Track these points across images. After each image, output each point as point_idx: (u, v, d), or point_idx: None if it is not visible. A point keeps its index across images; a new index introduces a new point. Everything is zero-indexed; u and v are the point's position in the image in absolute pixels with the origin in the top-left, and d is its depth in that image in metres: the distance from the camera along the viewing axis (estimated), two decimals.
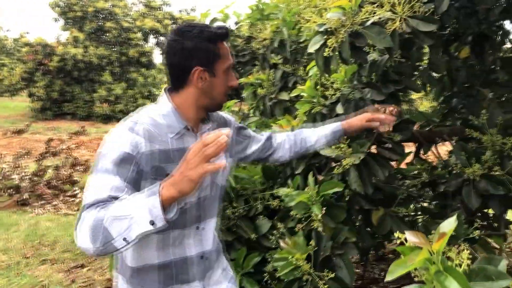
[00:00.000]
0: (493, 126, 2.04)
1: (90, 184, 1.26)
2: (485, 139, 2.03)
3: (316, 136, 1.85)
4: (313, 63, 2.24)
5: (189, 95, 1.45)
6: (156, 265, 1.46)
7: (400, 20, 1.65)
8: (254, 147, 1.77)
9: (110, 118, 17.64)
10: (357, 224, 2.24)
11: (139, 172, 1.32)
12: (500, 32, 2.60)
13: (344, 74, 2.01)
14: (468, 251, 1.08)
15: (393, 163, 2.29)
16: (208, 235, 1.57)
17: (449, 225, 1.07)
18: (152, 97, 18.67)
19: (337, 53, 1.72)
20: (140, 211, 1.12)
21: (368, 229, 2.25)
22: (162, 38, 20.88)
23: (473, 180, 2.01)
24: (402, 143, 2.07)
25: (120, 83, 18.58)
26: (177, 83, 1.46)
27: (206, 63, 1.41)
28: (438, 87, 2.79)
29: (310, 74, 2.24)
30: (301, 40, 2.65)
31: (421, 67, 2.55)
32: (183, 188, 1.13)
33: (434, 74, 2.73)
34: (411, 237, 1.10)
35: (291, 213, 1.90)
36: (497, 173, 1.97)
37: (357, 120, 1.85)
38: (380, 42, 1.65)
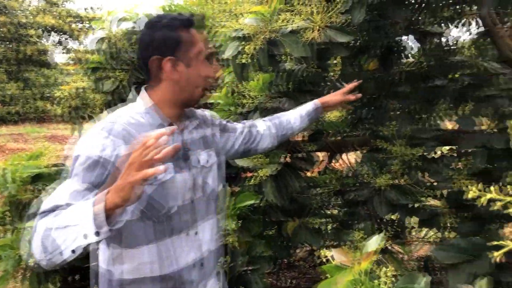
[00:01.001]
0: (401, 137, 2.11)
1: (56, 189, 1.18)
2: (394, 150, 2.09)
3: (295, 115, 1.78)
4: (228, 69, 2.17)
5: (166, 89, 1.35)
6: (149, 277, 1.32)
7: (317, 30, 1.64)
8: (240, 139, 1.65)
9: (3, 120, 16.13)
10: (271, 235, 2.20)
11: (114, 175, 1.18)
12: (403, 47, 2.74)
13: (261, 82, 1.96)
14: (389, 268, 1.06)
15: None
16: (205, 239, 1.43)
17: (374, 243, 1.04)
18: (51, 99, 17.41)
19: (254, 60, 1.66)
20: (86, 221, 1.04)
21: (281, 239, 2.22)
22: (66, 37, 19.65)
23: (383, 190, 2.06)
24: (314, 153, 2.07)
25: (16, 83, 17.12)
26: (152, 78, 1.36)
27: (178, 52, 1.31)
28: None
29: (225, 80, 2.17)
30: (216, 45, 2.57)
31: (332, 77, 2.59)
32: (125, 195, 1.04)
33: (344, 84, 2.79)
34: (337, 255, 1.06)
35: None
36: (404, 182, 2.04)
37: (333, 95, 1.86)
38: (297, 51, 1.62)
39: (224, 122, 1.64)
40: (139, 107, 1.35)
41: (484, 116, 2.13)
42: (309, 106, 1.80)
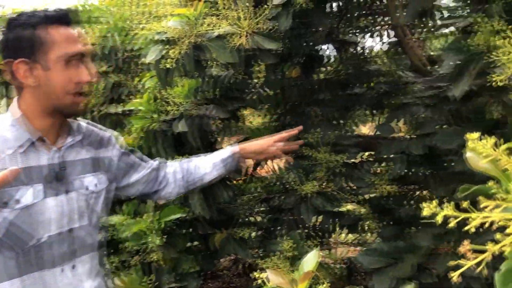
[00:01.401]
0: (325, 144, 2.13)
1: None
2: (319, 156, 2.10)
3: (208, 163, 1.52)
4: (149, 73, 2.05)
5: (29, 97, 1.15)
6: None
7: (245, 36, 1.58)
8: (135, 176, 1.41)
9: None
10: (198, 248, 2.11)
11: None
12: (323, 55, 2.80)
13: (186, 88, 1.87)
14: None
15: None
16: (85, 275, 1.22)
17: (312, 261, 0.99)
18: None
19: (179, 65, 1.57)
20: None
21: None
22: None
23: (309, 197, 2.06)
24: None
25: None
26: (15, 84, 1.16)
27: (34, 53, 1.12)
28: (271, 104, 2.85)
29: (146, 85, 2.04)
30: (135, 48, 2.43)
31: (256, 84, 2.56)
32: None
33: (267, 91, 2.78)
34: (273, 277, 1.00)
35: (127, 244, 1.66)
36: (330, 189, 2.06)
37: (257, 142, 1.59)
38: (225, 57, 1.56)
39: (129, 150, 1.43)
40: (6, 119, 1.16)
41: (401, 122, 2.22)
42: (225, 153, 1.54)
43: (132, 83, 2.47)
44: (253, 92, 2.29)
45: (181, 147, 1.86)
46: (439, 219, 0.54)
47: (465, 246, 0.55)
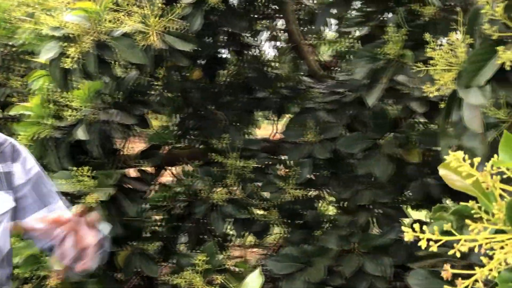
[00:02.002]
0: (234, 150, 2.07)
1: None
2: (229, 163, 2.03)
3: None
4: (36, 73, 1.78)
5: None
6: None
7: (155, 35, 1.46)
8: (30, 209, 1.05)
9: None
10: (102, 269, 1.90)
11: None
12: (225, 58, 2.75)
13: (87, 91, 1.65)
14: None
15: None
16: None
17: (254, 283, 0.92)
18: None
19: (80, 65, 1.38)
20: None
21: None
22: None
23: (219, 205, 1.98)
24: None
25: None
26: None
27: None
28: (171, 107, 2.72)
29: (34, 87, 1.77)
30: (17, 44, 2.12)
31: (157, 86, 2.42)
32: None
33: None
34: None
35: (17, 271, 1.43)
36: (240, 196, 2.01)
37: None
38: (133, 57, 1.42)
39: (40, 173, 1.09)
40: None
41: (305, 127, 2.25)
42: None
43: (16, 83, 2.15)
44: (155, 95, 2.14)
45: (79, 157, 1.65)
46: (423, 244, 0.52)
47: (447, 270, 0.53)
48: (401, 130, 1.98)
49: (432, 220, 0.79)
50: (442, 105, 0.99)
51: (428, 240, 0.60)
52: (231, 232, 2.44)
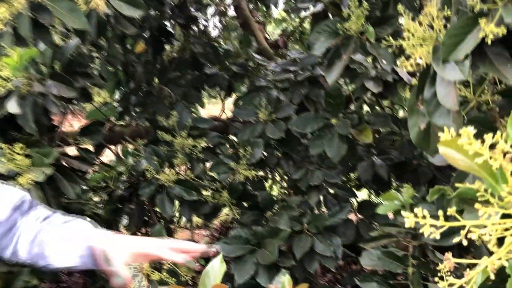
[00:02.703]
0: (183, 128, 1.96)
1: None
2: (176, 141, 1.92)
3: (64, 249, 0.95)
4: None
5: None
6: None
7: None
8: None
9: None
10: None
11: None
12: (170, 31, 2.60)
13: (19, 59, 1.46)
14: None
15: None
16: None
17: (215, 272, 0.84)
18: None
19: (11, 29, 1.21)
20: None
21: None
22: None
23: (166, 187, 1.87)
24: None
25: None
26: None
27: None
28: (112, 81, 2.54)
29: None
30: None
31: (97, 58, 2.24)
32: None
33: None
34: None
35: None
36: (188, 177, 1.91)
37: (143, 247, 0.96)
38: (73, 22, 1.27)
39: None
40: None
41: (257, 106, 2.17)
42: (80, 247, 0.94)
43: None
44: (96, 68, 1.97)
45: (10, 133, 1.47)
46: (425, 230, 0.46)
47: (449, 260, 0.48)
48: (354, 110, 1.96)
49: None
50: (414, 82, 0.95)
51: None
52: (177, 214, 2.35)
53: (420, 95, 0.94)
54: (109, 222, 2.49)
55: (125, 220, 2.63)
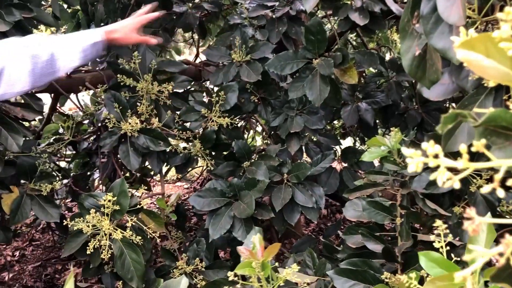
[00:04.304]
0: (147, 71, 1.76)
1: None
2: (139, 86, 1.72)
3: (63, 50, 1.17)
4: None
5: None
6: None
7: None
8: None
9: None
10: None
11: None
12: None
13: None
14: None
15: None
16: None
17: None
18: None
19: None
20: None
21: None
22: None
23: (129, 137, 1.69)
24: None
25: None
26: None
27: None
28: (72, 23, 2.29)
29: None
30: None
31: None
32: None
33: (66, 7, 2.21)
34: None
35: None
36: (156, 126, 1.72)
37: (123, 29, 1.35)
38: None
39: None
40: None
41: (230, 46, 1.96)
42: (87, 39, 1.22)
43: None
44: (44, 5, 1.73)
45: None
46: (440, 175, 0.31)
47: (472, 220, 0.31)
48: (338, 48, 1.77)
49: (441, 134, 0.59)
50: None
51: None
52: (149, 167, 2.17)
53: (415, 10, 0.75)
54: (78, 176, 2.33)
55: (96, 174, 2.47)
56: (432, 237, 0.92)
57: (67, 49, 1.17)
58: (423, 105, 2.09)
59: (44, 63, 1.11)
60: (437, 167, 0.31)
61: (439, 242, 0.85)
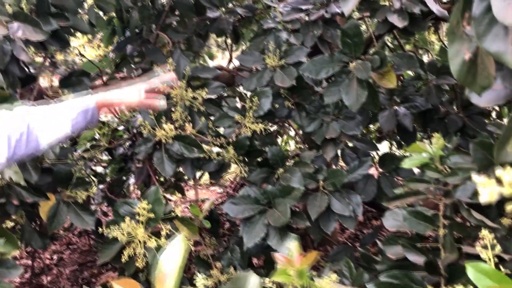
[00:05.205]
0: (181, 78, 1.75)
1: None
2: (173, 93, 1.72)
3: (51, 121, 1.10)
4: None
5: None
6: None
7: None
8: None
9: None
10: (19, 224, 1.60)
11: None
12: None
13: None
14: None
15: None
16: None
17: (177, 252, 0.64)
18: None
19: None
20: None
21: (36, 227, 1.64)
22: None
23: (164, 144, 1.69)
24: None
25: None
26: None
27: None
28: (107, 30, 2.32)
29: None
30: None
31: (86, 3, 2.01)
32: None
33: (102, 14, 2.24)
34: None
35: None
36: (189, 132, 1.71)
37: (119, 95, 1.26)
38: None
39: None
40: None
41: (264, 51, 1.94)
42: (76, 107, 1.15)
43: None
44: (80, 13, 1.75)
45: None
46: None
47: None
48: (375, 51, 1.71)
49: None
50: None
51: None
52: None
53: (466, 12, 0.70)
54: (114, 182, 2.36)
55: (131, 179, 2.50)
56: (478, 249, 0.86)
57: (55, 120, 1.11)
58: (465, 109, 2.01)
59: (23, 141, 1.04)
60: None
61: (486, 254, 0.79)
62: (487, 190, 0.27)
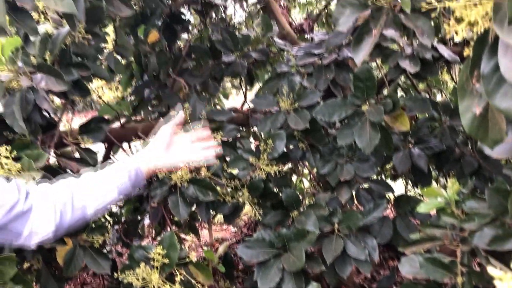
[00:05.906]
0: (197, 121, 1.78)
1: None
2: None
3: (95, 192, 1.10)
4: None
5: None
6: None
7: None
8: None
9: None
10: (35, 270, 1.61)
11: None
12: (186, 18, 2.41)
13: (1, 50, 1.31)
14: None
15: None
16: None
17: None
18: None
19: None
20: None
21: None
22: None
23: (179, 187, 1.71)
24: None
25: None
26: None
27: None
28: (126, 74, 2.39)
29: None
30: None
31: (105, 50, 2.08)
32: None
33: (120, 59, 2.32)
34: None
35: None
36: (204, 175, 1.73)
37: (167, 156, 1.26)
38: (59, 5, 1.10)
39: None
40: None
41: (278, 94, 1.97)
42: (121, 175, 1.14)
43: None
44: (99, 59, 1.81)
45: (2, 134, 1.33)
46: None
47: None
48: (387, 95, 1.73)
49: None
50: (467, 53, 0.72)
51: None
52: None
53: (475, 70, 0.72)
54: (130, 222, 2.37)
55: (146, 220, 2.52)
56: None
57: (101, 189, 1.10)
58: (480, 151, 2.00)
59: (67, 210, 1.04)
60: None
61: None
62: (505, 285, 0.27)
